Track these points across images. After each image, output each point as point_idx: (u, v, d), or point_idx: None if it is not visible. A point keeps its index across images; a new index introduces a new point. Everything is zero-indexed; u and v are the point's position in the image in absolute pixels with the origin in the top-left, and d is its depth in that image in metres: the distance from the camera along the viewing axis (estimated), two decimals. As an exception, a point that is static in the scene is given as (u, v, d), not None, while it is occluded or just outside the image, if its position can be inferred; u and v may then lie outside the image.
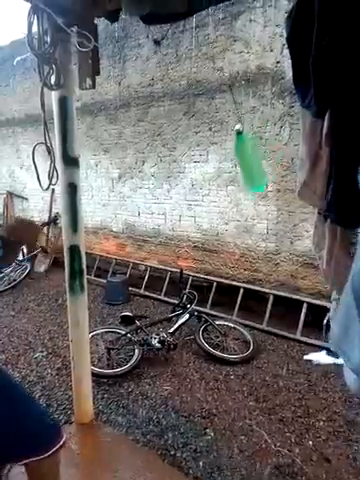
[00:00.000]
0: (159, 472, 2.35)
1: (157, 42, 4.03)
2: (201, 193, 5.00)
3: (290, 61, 1.00)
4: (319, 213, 1.05)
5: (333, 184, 0.92)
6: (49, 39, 1.87)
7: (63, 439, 1.52)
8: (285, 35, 3.59)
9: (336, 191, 0.92)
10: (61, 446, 1.50)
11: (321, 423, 2.78)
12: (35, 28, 1.95)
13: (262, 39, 4.19)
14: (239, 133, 3.12)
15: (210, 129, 4.76)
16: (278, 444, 2.58)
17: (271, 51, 4.14)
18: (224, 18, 4.42)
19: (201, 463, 2.42)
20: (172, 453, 2.51)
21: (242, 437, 2.65)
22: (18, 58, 5.48)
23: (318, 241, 1.09)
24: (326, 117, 0.92)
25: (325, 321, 3.97)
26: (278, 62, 4.11)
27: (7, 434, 1.36)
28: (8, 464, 1.40)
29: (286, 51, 4.01)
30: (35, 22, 1.86)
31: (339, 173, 0.92)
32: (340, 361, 3.50)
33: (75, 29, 1.97)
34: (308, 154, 1.00)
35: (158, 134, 5.29)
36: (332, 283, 1.13)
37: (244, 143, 3.10)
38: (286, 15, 0.97)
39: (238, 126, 3.18)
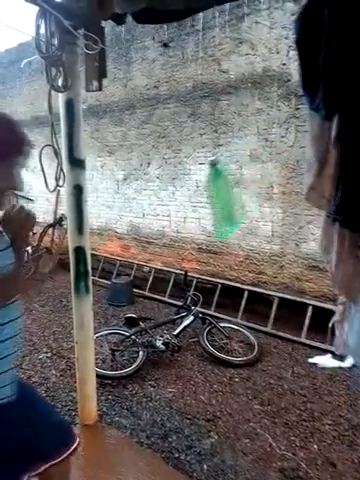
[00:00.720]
0: (163, 475, 2.35)
1: (165, 45, 4.02)
2: (206, 195, 4.99)
3: (296, 63, 0.99)
4: (328, 216, 1.05)
5: (342, 187, 0.91)
6: (57, 42, 1.88)
7: (76, 442, 1.53)
8: (292, 37, 3.56)
9: (345, 194, 0.92)
10: (75, 449, 1.51)
11: (326, 427, 2.76)
12: (42, 31, 1.96)
13: (268, 41, 4.19)
14: (213, 165, 2.68)
15: (215, 131, 4.76)
16: (283, 448, 2.57)
17: (277, 53, 4.14)
18: (230, 20, 4.43)
19: (205, 466, 2.41)
20: (176, 456, 2.50)
21: (246, 440, 2.64)
22: (25, 60, 5.51)
23: (326, 244, 1.08)
24: (335, 120, 0.92)
25: (330, 324, 3.95)
26: (284, 64, 4.11)
27: (29, 444, 1.36)
28: (27, 475, 1.40)
29: (292, 53, 4.01)
30: (43, 25, 1.87)
31: (348, 176, 0.91)
32: (345, 364, 3.50)
33: (82, 32, 1.98)
34: (316, 157, 1.00)
35: (163, 136, 5.30)
36: (340, 287, 1.12)
37: (219, 177, 2.68)
38: (294, 17, 0.96)
39: (213, 158, 2.79)
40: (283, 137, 4.23)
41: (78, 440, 1.54)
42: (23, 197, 7.70)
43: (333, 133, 0.93)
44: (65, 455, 1.47)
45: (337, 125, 0.91)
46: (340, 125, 0.90)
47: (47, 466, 1.43)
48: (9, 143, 1.16)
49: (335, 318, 1.21)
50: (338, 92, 0.87)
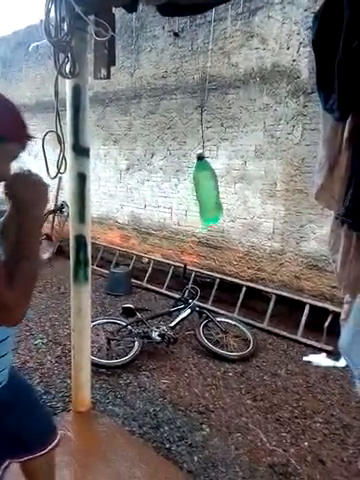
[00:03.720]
0: (153, 465, 2.37)
1: (176, 34, 3.97)
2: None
3: (307, 60, 0.99)
4: (336, 218, 1.04)
5: (352, 190, 0.91)
6: (66, 27, 1.85)
7: (58, 438, 1.54)
8: (304, 33, 3.52)
9: (355, 197, 0.91)
10: (56, 445, 1.52)
11: (317, 425, 2.79)
12: (52, 15, 1.93)
13: (279, 36, 4.14)
14: (200, 158, 2.61)
15: (222, 125, 4.73)
16: (273, 443, 2.59)
17: (288, 49, 4.09)
18: (242, 13, 4.37)
19: (196, 458, 2.43)
20: (167, 446, 2.52)
21: (238, 434, 2.67)
22: (34, 44, 5.44)
23: (334, 244, 1.08)
24: (348, 121, 0.91)
25: (326, 323, 3.97)
26: (294, 60, 4.06)
27: (12, 433, 1.37)
28: (8, 460, 1.43)
29: (303, 50, 3.97)
30: (53, 9, 1.85)
31: (358, 179, 0.91)
32: (340, 364, 3.52)
33: (93, 18, 1.95)
34: (327, 158, 0.99)
35: (169, 127, 5.27)
36: (345, 286, 1.13)
37: (205, 170, 2.64)
38: (313, 16, 0.94)
39: (200, 151, 2.74)
40: (289, 134, 4.20)
41: (59, 436, 1.55)
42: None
43: (345, 135, 0.92)
44: (46, 450, 1.48)
45: (350, 127, 0.90)
46: (353, 127, 0.89)
47: (29, 458, 1.45)
48: (11, 133, 1.08)
49: (342, 317, 1.21)
50: (353, 94, 0.86)
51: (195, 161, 2.64)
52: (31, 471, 1.55)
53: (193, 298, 4.01)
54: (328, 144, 0.98)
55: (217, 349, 3.66)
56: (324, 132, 1.02)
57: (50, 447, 1.49)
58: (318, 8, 0.99)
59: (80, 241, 2.47)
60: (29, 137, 1.10)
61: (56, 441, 1.53)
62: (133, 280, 5.50)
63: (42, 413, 1.61)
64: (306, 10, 3.89)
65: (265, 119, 4.35)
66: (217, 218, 2.74)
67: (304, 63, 3.96)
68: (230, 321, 4.08)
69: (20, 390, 1.43)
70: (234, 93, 4.56)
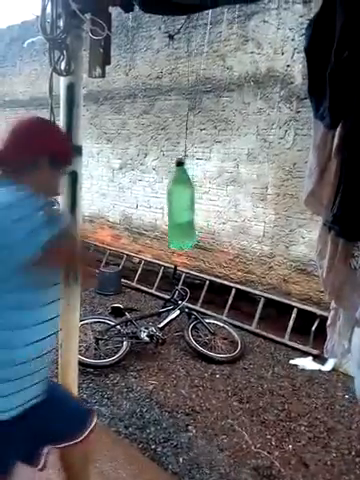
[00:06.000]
0: (139, 465, 2.37)
1: (171, 36, 3.97)
2: (201, 191, 4.98)
3: (300, 66, 1.00)
4: (324, 224, 1.06)
5: (340, 196, 0.92)
6: (62, 24, 1.84)
7: (93, 425, 1.55)
8: (298, 39, 3.55)
9: (343, 204, 0.93)
10: (91, 432, 1.53)
11: (302, 428, 2.81)
12: (48, 11, 1.92)
13: (274, 41, 4.17)
14: (179, 164, 2.27)
15: (215, 127, 4.75)
16: (258, 446, 2.61)
17: (282, 54, 4.13)
18: (238, 17, 4.40)
19: (181, 459, 2.44)
20: (153, 447, 2.52)
21: (223, 436, 2.68)
22: (29, 40, 5.40)
23: (321, 250, 1.09)
24: (338, 129, 0.92)
25: (313, 327, 4.01)
26: (288, 66, 4.10)
27: (48, 421, 1.39)
28: (47, 447, 1.45)
29: (297, 55, 4.00)
30: (49, 5, 1.83)
31: (347, 186, 0.92)
32: (325, 368, 3.56)
33: (89, 16, 1.95)
34: (317, 164, 1.01)
35: (162, 128, 5.27)
36: (330, 292, 1.14)
37: (181, 183, 2.23)
38: (306, 24, 0.96)
39: (180, 156, 2.30)
40: (282, 139, 4.23)
41: (94, 424, 1.57)
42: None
43: (335, 143, 0.93)
44: (82, 437, 1.50)
45: (340, 135, 0.92)
46: (343, 135, 0.90)
47: (66, 444, 1.47)
48: (63, 155, 1.33)
49: (328, 322, 1.23)
50: (344, 102, 0.88)
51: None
52: (67, 459, 1.56)
53: (183, 299, 4.02)
54: (318, 151, 1.00)
55: (205, 351, 3.67)
56: (314, 140, 1.03)
57: (85, 434, 1.51)
58: (313, 15, 1.01)
59: (70, 240, 2.45)
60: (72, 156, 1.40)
61: (91, 428, 1.54)
62: (123, 280, 5.48)
63: (75, 402, 1.67)
64: (301, 17, 3.93)
65: (258, 123, 4.38)
66: (188, 245, 2.28)
67: (298, 69, 4.00)
68: (219, 323, 4.10)
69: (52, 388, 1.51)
70: (228, 96, 4.59)
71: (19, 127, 1.26)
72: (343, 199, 0.92)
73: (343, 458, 2.54)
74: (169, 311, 3.99)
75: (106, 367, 3.33)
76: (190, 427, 2.75)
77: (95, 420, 1.59)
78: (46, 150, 1.25)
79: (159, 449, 2.51)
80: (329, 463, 2.49)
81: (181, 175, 2.29)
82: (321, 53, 0.90)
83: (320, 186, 1.01)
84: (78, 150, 2.34)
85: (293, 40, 4.03)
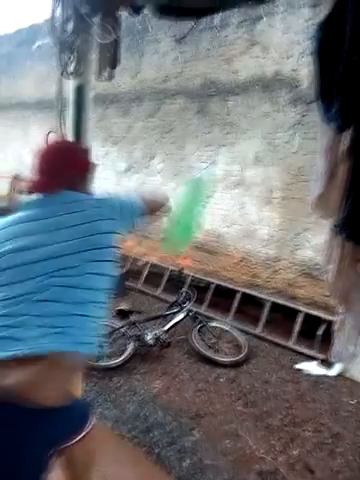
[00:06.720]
0: (143, 469, 2.36)
1: (178, 41, 3.98)
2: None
3: (307, 70, 1.00)
4: (333, 228, 1.05)
5: (349, 201, 0.92)
6: (71, 27, 1.85)
7: (92, 423, 1.54)
8: (305, 43, 3.54)
9: (352, 207, 0.92)
10: (91, 430, 1.52)
11: (307, 433, 2.79)
12: (57, 14, 1.94)
13: (280, 45, 4.18)
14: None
15: (221, 131, 4.75)
16: (262, 451, 2.58)
17: (288, 58, 4.13)
18: (244, 21, 4.41)
19: (185, 463, 2.42)
20: (157, 451, 2.51)
21: (227, 441, 2.66)
22: (38, 43, 5.45)
23: (329, 254, 1.09)
24: (347, 132, 0.92)
25: (319, 332, 3.98)
26: (294, 70, 4.10)
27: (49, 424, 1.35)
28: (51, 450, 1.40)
29: (303, 59, 4.00)
30: (59, 9, 1.85)
31: (356, 190, 0.92)
32: (331, 373, 3.53)
33: (98, 20, 1.96)
34: (326, 168, 1.00)
35: (168, 131, 5.28)
36: (337, 297, 1.13)
37: (201, 187, 2.26)
38: (314, 26, 0.96)
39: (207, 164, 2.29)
40: (287, 143, 4.23)
41: (94, 421, 1.56)
42: (25, 180, 7.65)
43: (344, 146, 0.93)
44: (81, 436, 1.48)
45: (349, 139, 0.91)
46: (352, 139, 0.90)
47: (66, 445, 1.43)
48: (89, 169, 1.58)
49: (335, 327, 1.21)
50: (354, 105, 0.87)
51: (200, 168, 2.22)
52: (69, 459, 1.54)
53: (188, 302, 4.01)
54: (326, 154, 0.99)
55: (210, 354, 3.66)
56: (323, 143, 1.03)
57: (85, 432, 1.49)
58: (321, 18, 1.00)
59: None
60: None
61: (91, 426, 1.52)
62: (128, 282, 5.48)
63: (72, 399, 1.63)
64: (307, 21, 3.93)
65: (264, 127, 4.38)
66: (184, 245, 2.31)
67: (304, 73, 4.00)
68: (223, 326, 4.08)
69: None
70: (234, 100, 4.59)
71: (53, 153, 1.50)
72: (353, 202, 0.91)
73: (349, 464, 2.51)
74: (174, 314, 3.98)
75: (110, 370, 3.33)
76: (194, 431, 2.73)
77: (94, 416, 1.58)
78: (80, 169, 1.53)
79: (163, 453, 2.50)
80: (335, 470, 2.46)
81: (199, 182, 2.27)
82: (331, 56, 0.90)
83: (328, 189, 1.00)
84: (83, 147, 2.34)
85: (299, 44, 4.03)
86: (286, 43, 4.14)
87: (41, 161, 1.45)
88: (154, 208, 1.72)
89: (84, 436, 1.48)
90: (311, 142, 3.99)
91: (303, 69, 4.02)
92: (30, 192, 1.46)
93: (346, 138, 0.93)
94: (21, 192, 1.52)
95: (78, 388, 2.17)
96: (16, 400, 1.12)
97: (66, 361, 1.23)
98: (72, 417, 1.48)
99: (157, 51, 5.26)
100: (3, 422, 1.17)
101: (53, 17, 1.85)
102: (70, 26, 1.87)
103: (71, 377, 1.31)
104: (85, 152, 1.63)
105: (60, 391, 1.24)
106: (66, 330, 1.23)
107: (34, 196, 1.45)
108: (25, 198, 1.50)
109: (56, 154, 1.50)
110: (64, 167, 1.46)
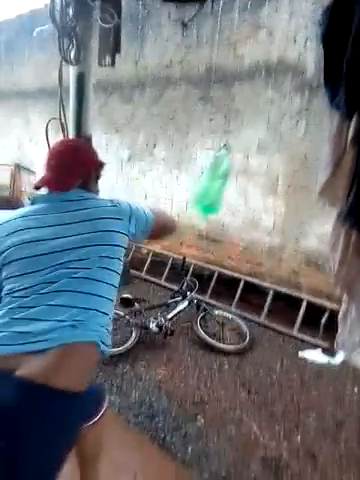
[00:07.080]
0: (148, 454, 2.40)
1: (184, 25, 3.90)
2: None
3: (313, 55, 0.98)
4: (338, 216, 1.04)
5: (356, 189, 0.90)
6: (72, 12, 1.82)
7: (105, 408, 1.62)
8: (311, 27, 3.45)
9: (358, 196, 0.91)
10: (103, 415, 1.59)
11: (311, 420, 2.81)
12: (58, -1, 1.90)
13: (286, 30, 4.09)
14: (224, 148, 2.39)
15: (225, 117, 4.69)
16: (266, 437, 2.62)
17: (294, 43, 4.04)
18: (250, 4, 4.30)
19: (190, 448, 2.46)
20: (162, 436, 2.55)
21: (232, 427, 2.69)
22: (38, 29, 5.36)
23: (334, 242, 1.08)
24: (354, 119, 0.90)
25: (323, 320, 3.98)
26: (300, 55, 4.02)
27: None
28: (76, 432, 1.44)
29: (310, 44, 3.92)
30: (59, -7, 1.81)
31: (363, 178, 0.90)
32: (335, 361, 3.54)
33: (99, 3, 1.92)
34: (332, 155, 0.99)
35: (171, 118, 5.23)
36: (342, 286, 1.13)
37: (225, 160, 2.39)
38: (322, 10, 0.93)
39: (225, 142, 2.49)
40: (293, 129, 4.17)
41: (106, 406, 1.63)
42: (25, 169, 7.65)
43: (351, 133, 0.91)
44: (98, 417, 1.57)
45: (356, 124, 0.89)
46: (358, 127, 0.88)
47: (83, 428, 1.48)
48: (98, 167, 1.66)
49: (339, 316, 1.21)
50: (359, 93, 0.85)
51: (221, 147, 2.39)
52: (81, 441, 1.56)
53: (191, 290, 4.02)
54: (333, 142, 0.98)
55: (213, 341, 3.68)
56: (330, 130, 1.01)
57: (99, 416, 1.56)
58: (327, 2, 0.97)
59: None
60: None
61: (103, 411, 1.59)
62: (132, 271, 5.50)
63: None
64: (314, 4, 3.83)
65: (269, 113, 4.32)
66: (215, 209, 2.42)
67: (310, 58, 3.92)
68: (227, 314, 4.10)
69: None
70: (238, 86, 4.52)
71: (64, 151, 1.56)
72: (358, 191, 0.90)
73: (352, 451, 2.53)
74: (178, 302, 4.00)
75: (115, 357, 3.36)
76: (199, 417, 2.76)
77: (107, 400, 1.63)
78: (89, 167, 1.60)
79: (168, 438, 2.53)
80: (338, 455, 2.49)
81: (222, 158, 2.36)
82: (338, 40, 0.87)
83: (335, 178, 0.99)
84: (87, 141, 2.33)
85: (306, 28, 3.94)
86: (292, 27, 4.04)
87: (52, 159, 1.51)
88: (162, 232, 1.75)
89: (99, 419, 1.55)
90: (317, 129, 3.93)
91: (309, 54, 3.94)
92: (39, 188, 1.49)
93: (352, 126, 0.91)
94: (34, 188, 1.54)
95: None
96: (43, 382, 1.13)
97: (81, 352, 1.25)
98: (90, 401, 1.53)
99: (160, 36, 5.17)
100: (33, 401, 1.17)
101: (53, 2, 1.82)
102: (70, 11, 1.84)
103: (89, 366, 1.32)
104: (94, 151, 1.69)
105: (79, 378, 1.24)
106: (77, 323, 1.24)
107: (44, 191, 1.48)
108: (36, 193, 1.52)
109: (67, 152, 1.55)
110: (74, 165, 1.51)
